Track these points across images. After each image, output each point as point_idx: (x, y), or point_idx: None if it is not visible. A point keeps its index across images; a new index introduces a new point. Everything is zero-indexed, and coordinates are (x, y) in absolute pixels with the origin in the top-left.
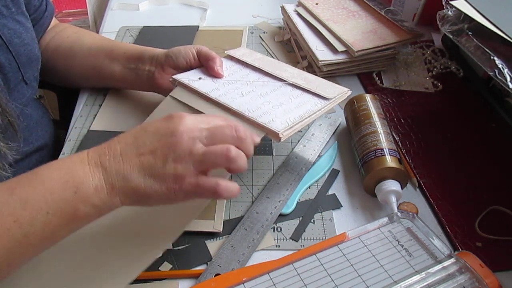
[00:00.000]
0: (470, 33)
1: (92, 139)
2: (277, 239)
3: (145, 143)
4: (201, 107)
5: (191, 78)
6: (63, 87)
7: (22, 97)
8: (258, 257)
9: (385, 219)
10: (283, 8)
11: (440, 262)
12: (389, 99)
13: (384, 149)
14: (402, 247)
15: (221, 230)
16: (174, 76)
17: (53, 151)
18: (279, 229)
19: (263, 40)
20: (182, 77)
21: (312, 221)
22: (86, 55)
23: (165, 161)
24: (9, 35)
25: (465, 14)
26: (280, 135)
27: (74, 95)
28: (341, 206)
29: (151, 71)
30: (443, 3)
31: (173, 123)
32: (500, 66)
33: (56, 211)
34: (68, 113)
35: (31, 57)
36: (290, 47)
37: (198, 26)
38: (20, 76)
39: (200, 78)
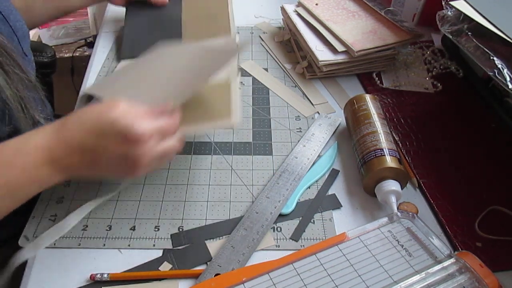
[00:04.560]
0: (469, 33)
1: None
2: (277, 239)
3: (102, 163)
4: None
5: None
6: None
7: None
8: (258, 257)
9: (385, 219)
10: (283, 9)
11: (440, 262)
12: (389, 99)
13: (384, 149)
14: (402, 247)
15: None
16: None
17: None
18: (279, 229)
19: (263, 40)
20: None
21: (312, 221)
22: None
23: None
24: (7, 11)
25: (464, 14)
26: None
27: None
28: (341, 206)
29: None
30: (443, 3)
31: (132, 153)
32: (499, 66)
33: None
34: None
35: (24, 31)
36: (290, 47)
37: None
38: (21, 49)
39: None
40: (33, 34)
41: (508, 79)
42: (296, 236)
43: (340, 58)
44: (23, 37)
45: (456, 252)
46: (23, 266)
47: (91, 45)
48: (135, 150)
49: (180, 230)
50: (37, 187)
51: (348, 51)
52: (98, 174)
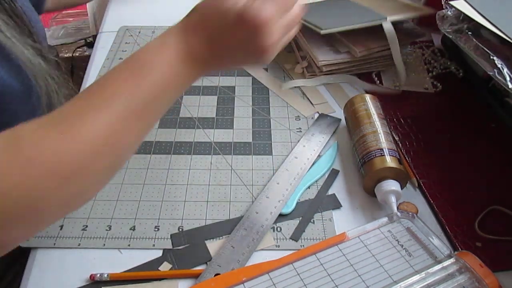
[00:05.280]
0: (469, 33)
1: None
2: (277, 239)
3: (229, 47)
4: None
5: None
6: None
7: None
8: (258, 257)
9: (385, 219)
10: None
11: (440, 262)
12: (389, 100)
13: (384, 149)
14: (402, 247)
15: None
16: None
17: None
18: (279, 229)
19: None
20: None
21: (312, 221)
22: None
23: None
24: (29, 12)
25: (464, 14)
26: None
27: None
28: (341, 206)
29: None
30: (443, 3)
31: (259, 37)
32: (499, 66)
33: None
34: None
35: (43, 34)
36: (290, 47)
37: None
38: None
39: None
40: None
41: (508, 79)
42: (296, 236)
43: (339, 58)
44: (43, 39)
45: (456, 252)
46: (23, 266)
47: (91, 45)
48: (262, 35)
49: (180, 230)
50: (177, 89)
51: (349, 51)
52: (229, 65)
